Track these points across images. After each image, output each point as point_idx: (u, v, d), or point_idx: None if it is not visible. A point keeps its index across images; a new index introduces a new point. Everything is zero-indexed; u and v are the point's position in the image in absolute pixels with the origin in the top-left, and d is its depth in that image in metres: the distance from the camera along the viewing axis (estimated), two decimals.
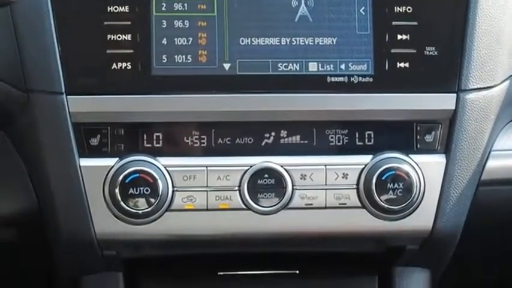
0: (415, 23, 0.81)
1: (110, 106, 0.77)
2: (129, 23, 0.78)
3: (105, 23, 0.77)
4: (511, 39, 0.87)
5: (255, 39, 0.78)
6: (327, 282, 0.99)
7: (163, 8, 0.78)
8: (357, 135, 0.82)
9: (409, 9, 0.81)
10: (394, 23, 0.80)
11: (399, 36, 0.79)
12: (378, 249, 0.95)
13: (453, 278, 1.06)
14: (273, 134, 0.80)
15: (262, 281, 0.97)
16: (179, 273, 0.97)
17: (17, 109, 0.77)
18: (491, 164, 0.88)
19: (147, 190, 0.79)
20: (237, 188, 0.80)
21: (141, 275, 0.96)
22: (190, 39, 0.77)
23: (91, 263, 0.91)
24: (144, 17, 0.78)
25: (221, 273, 0.97)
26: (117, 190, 0.80)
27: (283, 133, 0.79)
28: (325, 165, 0.83)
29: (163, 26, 0.78)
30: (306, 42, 0.78)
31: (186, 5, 0.80)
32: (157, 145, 0.79)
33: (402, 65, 0.79)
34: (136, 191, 0.79)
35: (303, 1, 0.83)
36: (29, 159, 0.84)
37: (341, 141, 0.81)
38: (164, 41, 0.76)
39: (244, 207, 0.80)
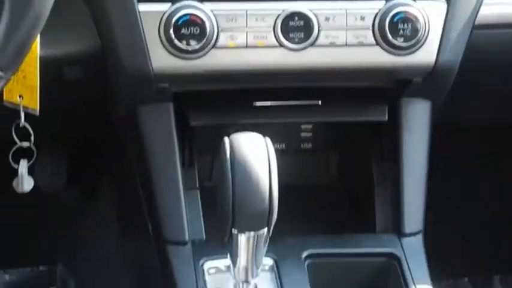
0: None
1: None
2: None
3: None
4: None
5: None
6: (345, 110, 1.10)
7: None
8: None
9: None
10: None
11: None
12: (388, 83, 1.05)
13: (451, 117, 1.19)
14: None
15: (290, 110, 1.08)
16: (220, 105, 1.07)
17: None
18: (483, 11, 0.98)
19: (196, 30, 0.89)
20: (271, 28, 0.90)
21: (187, 107, 1.06)
22: None
23: (146, 95, 1.01)
24: None
25: (257, 104, 1.07)
26: (171, 30, 0.89)
27: None
28: (346, 10, 0.93)
29: None
30: None
31: None
32: None
33: None
34: (187, 30, 0.89)
35: None
36: (92, 4, 0.92)
37: None
38: None
39: (277, 44, 0.91)
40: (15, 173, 1.00)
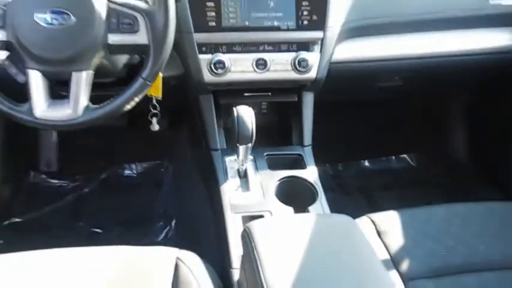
0: None
1: None
2: None
3: None
4: None
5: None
6: (281, 96, 1.62)
7: None
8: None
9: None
10: None
11: None
12: (297, 85, 1.59)
13: (321, 98, 1.67)
14: None
15: (258, 96, 1.61)
16: (231, 94, 1.57)
17: None
18: (334, 56, 1.54)
19: (221, 65, 1.44)
20: (251, 64, 1.47)
21: (218, 95, 1.59)
22: None
23: (202, 90, 1.56)
24: None
25: (245, 94, 1.61)
26: (211, 65, 1.45)
27: None
28: (281, 57, 1.50)
29: None
30: None
31: None
32: None
33: None
34: (218, 65, 1.45)
35: None
36: (181, 56, 1.44)
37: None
38: None
39: (253, 70, 1.48)
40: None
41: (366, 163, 2.54)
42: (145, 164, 2.48)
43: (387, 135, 2.47)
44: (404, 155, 2.55)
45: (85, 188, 2.35)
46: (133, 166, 2.49)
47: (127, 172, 2.47)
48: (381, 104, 2.25)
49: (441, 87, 1.99)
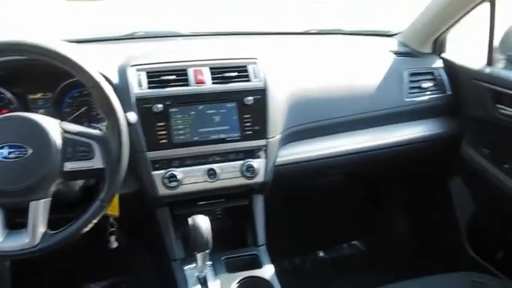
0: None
1: None
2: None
3: None
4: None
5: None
6: (231, 201, 1.68)
7: None
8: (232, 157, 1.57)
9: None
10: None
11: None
12: (246, 189, 1.66)
13: (272, 197, 1.75)
14: None
15: (211, 204, 1.69)
16: (185, 204, 1.62)
17: None
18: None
19: (174, 178, 1.49)
20: (201, 174, 1.55)
21: (173, 207, 1.63)
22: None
23: (158, 203, 1.60)
24: None
25: (198, 203, 1.64)
26: (165, 180, 1.49)
27: None
28: (230, 165, 1.56)
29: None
30: None
31: None
32: None
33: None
34: (172, 179, 1.48)
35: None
36: (137, 177, 1.51)
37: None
38: None
39: (204, 181, 1.55)
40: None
41: (321, 253, 2.61)
42: (105, 281, 2.32)
43: (338, 224, 2.57)
44: (355, 242, 2.63)
45: None
46: (92, 286, 2.31)
47: None
48: (331, 195, 2.39)
49: (379, 179, 2.29)
